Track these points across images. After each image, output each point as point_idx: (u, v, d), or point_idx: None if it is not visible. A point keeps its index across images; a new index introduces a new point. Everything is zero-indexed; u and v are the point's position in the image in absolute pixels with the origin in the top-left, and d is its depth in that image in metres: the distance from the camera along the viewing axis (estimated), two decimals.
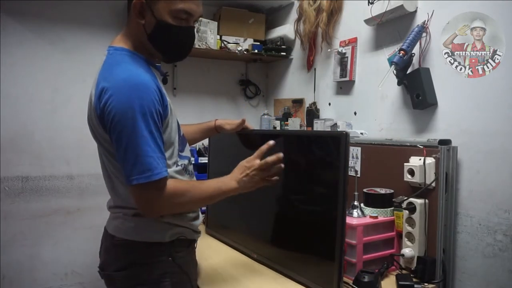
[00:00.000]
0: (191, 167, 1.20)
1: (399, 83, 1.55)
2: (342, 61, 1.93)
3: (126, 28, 1.10)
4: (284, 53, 2.43)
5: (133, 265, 1.06)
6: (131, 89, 0.95)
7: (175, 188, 1.01)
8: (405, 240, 1.40)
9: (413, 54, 1.48)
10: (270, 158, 1.11)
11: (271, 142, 1.16)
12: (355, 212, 1.41)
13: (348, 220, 1.31)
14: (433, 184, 1.35)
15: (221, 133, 1.48)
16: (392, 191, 1.47)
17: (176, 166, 1.10)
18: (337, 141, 1.16)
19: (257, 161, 1.12)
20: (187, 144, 1.21)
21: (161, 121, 1.00)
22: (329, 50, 2.05)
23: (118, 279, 1.08)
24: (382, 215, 1.43)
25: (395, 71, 1.52)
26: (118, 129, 0.95)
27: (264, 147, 1.15)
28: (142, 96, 0.95)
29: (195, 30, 1.21)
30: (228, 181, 1.11)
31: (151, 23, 1.03)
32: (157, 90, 0.99)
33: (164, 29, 1.03)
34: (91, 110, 1.02)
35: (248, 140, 1.48)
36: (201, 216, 1.25)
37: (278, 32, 2.44)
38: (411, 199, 1.38)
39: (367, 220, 1.37)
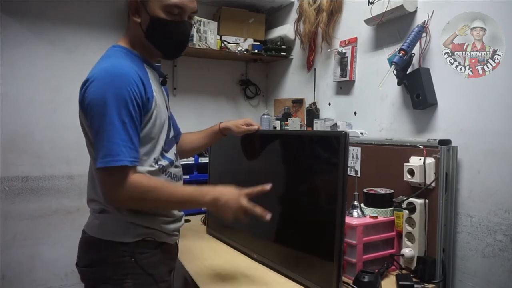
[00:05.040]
0: (175, 170, 1.17)
1: (399, 83, 1.55)
2: (342, 61, 1.93)
3: (126, 29, 1.14)
4: (284, 53, 2.43)
5: (97, 263, 1.06)
6: (109, 78, 0.97)
7: (140, 182, 0.99)
8: (405, 240, 1.40)
9: (413, 54, 1.48)
10: (257, 211, 1.08)
11: (268, 187, 1.14)
12: (355, 212, 1.41)
13: (348, 220, 1.31)
14: (433, 184, 1.35)
15: (227, 135, 1.46)
16: (392, 191, 1.47)
17: (155, 165, 1.08)
18: (337, 141, 1.16)
19: (244, 201, 1.07)
20: (174, 147, 1.20)
21: (139, 113, 1.00)
22: (329, 50, 2.05)
23: (86, 275, 1.09)
24: (382, 215, 1.43)
25: (395, 71, 1.52)
26: (91, 114, 0.97)
27: (257, 190, 1.13)
28: (118, 85, 0.96)
29: (192, 26, 1.23)
30: (205, 194, 1.06)
31: (146, 20, 1.06)
32: (138, 82, 1.00)
33: (158, 24, 1.06)
34: (79, 102, 1.04)
35: (248, 139, 1.48)
36: (183, 220, 1.23)
37: (278, 32, 2.44)
38: (411, 199, 1.37)
39: (367, 220, 1.37)
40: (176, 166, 1.19)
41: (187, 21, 1.12)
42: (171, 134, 1.18)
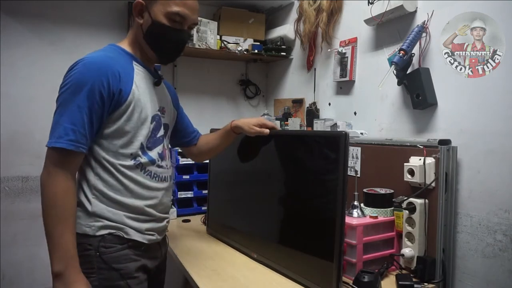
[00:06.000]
0: (158, 170, 1.16)
1: (399, 83, 1.55)
2: (342, 61, 1.93)
3: (129, 30, 1.21)
4: (284, 53, 2.43)
5: None
6: (81, 66, 1.02)
7: (61, 187, 1.01)
8: (405, 240, 1.40)
9: (413, 54, 1.48)
10: None
11: None
12: (355, 212, 1.41)
13: (348, 220, 1.31)
14: (433, 184, 1.35)
15: (239, 134, 1.43)
16: (392, 191, 1.47)
17: (130, 160, 1.10)
18: (337, 141, 1.16)
19: None
20: (160, 146, 1.18)
21: (101, 103, 1.02)
22: (329, 50, 2.05)
23: None
24: (382, 215, 1.43)
25: (395, 71, 1.52)
26: (59, 94, 1.03)
27: None
28: (85, 73, 1.01)
29: (190, 37, 1.26)
30: (57, 263, 0.99)
31: (147, 23, 1.11)
32: (112, 75, 1.03)
33: (158, 29, 1.11)
34: None
35: (248, 139, 1.48)
36: (165, 222, 1.22)
37: (278, 32, 2.44)
38: (411, 199, 1.37)
39: (367, 220, 1.37)
40: (160, 166, 1.18)
41: (186, 30, 1.16)
42: (159, 133, 1.19)
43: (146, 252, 1.16)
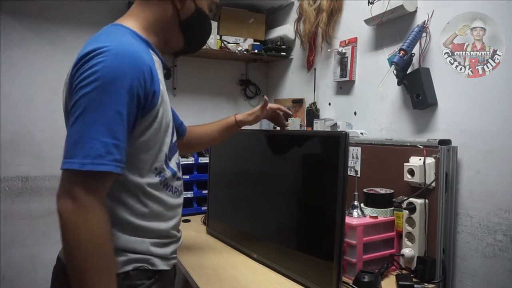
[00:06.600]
0: (177, 184, 0.98)
1: (399, 83, 1.55)
2: (342, 61, 1.93)
3: (135, 10, 0.95)
4: (284, 53, 2.43)
5: None
6: (111, 56, 0.76)
7: (101, 217, 0.74)
8: (405, 240, 1.40)
9: (413, 54, 1.48)
10: None
11: None
12: (355, 212, 1.41)
13: (348, 220, 1.31)
14: (433, 184, 1.35)
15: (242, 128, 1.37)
16: (392, 191, 1.47)
17: (155, 176, 0.89)
18: (337, 141, 1.16)
19: None
20: (176, 154, 1.00)
21: (135, 109, 0.79)
22: (329, 50, 2.05)
23: None
24: (382, 215, 1.43)
25: (395, 71, 1.52)
26: (82, 92, 0.74)
27: None
28: (119, 66, 0.76)
29: None
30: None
31: (189, 10, 0.98)
32: (148, 71, 0.81)
33: (201, 17, 1.01)
34: (65, 86, 0.86)
35: (249, 139, 1.48)
36: (181, 238, 1.03)
37: (278, 32, 2.44)
38: (411, 199, 1.37)
39: (367, 220, 1.37)
40: (178, 178, 0.99)
41: None
42: (174, 138, 0.99)
43: (168, 280, 0.99)
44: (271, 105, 1.42)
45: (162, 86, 0.89)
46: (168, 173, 0.93)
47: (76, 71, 0.78)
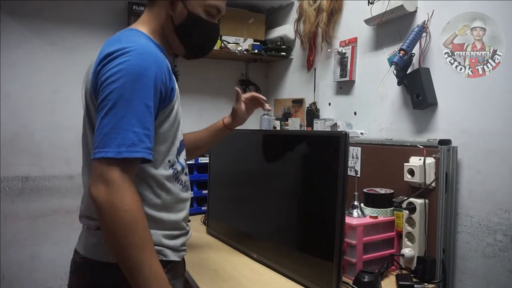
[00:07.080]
0: (185, 178, 1.03)
1: (399, 83, 1.55)
2: (342, 61, 1.93)
3: (144, 17, 1.01)
4: (284, 53, 2.43)
5: None
6: (135, 55, 0.83)
7: (136, 197, 0.80)
8: (405, 240, 1.40)
9: (413, 54, 1.48)
10: None
11: None
12: (355, 212, 1.41)
13: (348, 220, 1.31)
14: (433, 184, 1.35)
15: (233, 130, 1.36)
16: (392, 191, 1.47)
17: (169, 169, 0.95)
18: (337, 141, 1.16)
19: None
20: (184, 152, 1.06)
21: (158, 104, 0.87)
22: (329, 50, 2.05)
23: None
24: (382, 215, 1.43)
25: (395, 71, 1.52)
26: (111, 88, 0.80)
27: None
28: (143, 64, 0.83)
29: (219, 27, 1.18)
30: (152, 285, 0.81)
31: (181, 15, 0.99)
32: (168, 69, 0.90)
33: (195, 22, 1.00)
34: (87, 83, 0.91)
35: (249, 139, 1.48)
36: (190, 232, 1.09)
37: (278, 32, 2.44)
38: (411, 199, 1.37)
39: (367, 220, 1.37)
40: (186, 174, 1.05)
41: (217, 24, 1.08)
42: (181, 136, 1.05)
43: (179, 271, 1.05)
44: (244, 95, 1.36)
45: (175, 83, 0.96)
46: (179, 167, 0.99)
47: (102, 68, 0.84)
